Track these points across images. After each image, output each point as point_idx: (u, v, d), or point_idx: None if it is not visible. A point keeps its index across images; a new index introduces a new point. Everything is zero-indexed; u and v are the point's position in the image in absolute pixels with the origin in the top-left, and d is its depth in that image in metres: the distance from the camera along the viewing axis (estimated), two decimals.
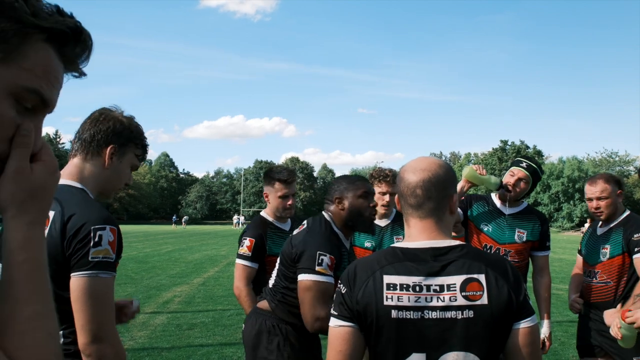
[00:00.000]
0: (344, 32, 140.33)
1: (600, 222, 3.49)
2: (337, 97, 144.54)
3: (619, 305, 3.00)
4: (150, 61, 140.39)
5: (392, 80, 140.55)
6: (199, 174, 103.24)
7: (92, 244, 1.62)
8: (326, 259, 2.31)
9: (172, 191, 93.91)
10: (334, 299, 1.54)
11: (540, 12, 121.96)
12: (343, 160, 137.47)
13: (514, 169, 3.40)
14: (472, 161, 77.29)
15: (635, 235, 3.18)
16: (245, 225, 3.63)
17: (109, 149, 1.81)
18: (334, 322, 1.49)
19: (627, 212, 3.40)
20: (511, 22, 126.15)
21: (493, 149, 73.84)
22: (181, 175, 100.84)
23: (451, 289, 1.42)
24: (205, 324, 7.37)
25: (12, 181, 0.71)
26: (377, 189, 3.72)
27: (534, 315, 1.46)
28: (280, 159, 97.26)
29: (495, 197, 3.47)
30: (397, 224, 3.72)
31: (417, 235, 1.52)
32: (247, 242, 3.27)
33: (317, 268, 2.30)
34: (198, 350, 5.99)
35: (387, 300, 1.42)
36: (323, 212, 2.60)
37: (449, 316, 1.40)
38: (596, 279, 3.35)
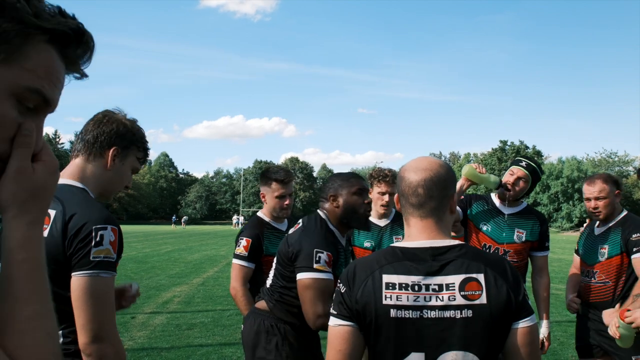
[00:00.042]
0: (344, 32, 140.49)
1: (598, 222, 3.49)
2: (337, 97, 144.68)
3: (617, 305, 3.01)
4: (150, 61, 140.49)
5: (392, 80, 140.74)
6: (198, 174, 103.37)
7: (93, 243, 1.62)
8: (323, 256, 2.32)
9: (172, 191, 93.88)
10: (333, 298, 1.55)
11: (540, 12, 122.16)
12: (343, 161, 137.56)
13: (514, 167, 3.40)
14: (472, 161, 77.34)
15: (633, 236, 3.19)
16: (243, 226, 3.66)
17: (111, 150, 1.83)
18: (333, 322, 1.50)
19: (625, 212, 3.41)
20: (511, 22, 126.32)
21: (492, 149, 73.82)
22: (181, 176, 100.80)
23: (450, 288, 1.42)
24: (204, 324, 7.36)
25: (14, 181, 0.72)
26: (377, 189, 3.72)
27: (533, 315, 1.46)
28: (280, 159, 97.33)
29: (494, 197, 3.47)
30: (397, 224, 3.72)
31: (417, 234, 1.52)
32: (243, 242, 3.27)
33: (315, 266, 2.30)
34: (197, 351, 5.99)
35: (386, 299, 1.42)
36: (318, 211, 2.61)
37: (448, 315, 1.40)
38: (594, 278, 3.35)
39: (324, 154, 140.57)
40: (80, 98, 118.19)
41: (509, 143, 72.89)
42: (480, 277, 1.43)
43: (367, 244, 3.70)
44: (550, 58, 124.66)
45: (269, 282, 2.63)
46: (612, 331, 2.81)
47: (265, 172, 3.45)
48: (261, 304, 2.60)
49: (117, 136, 1.85)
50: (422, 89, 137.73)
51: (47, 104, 0.74)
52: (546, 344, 3.34)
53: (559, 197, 61.01)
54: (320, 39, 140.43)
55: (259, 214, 3.50)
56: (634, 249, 3.15)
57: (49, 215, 1.67)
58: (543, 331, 3.32)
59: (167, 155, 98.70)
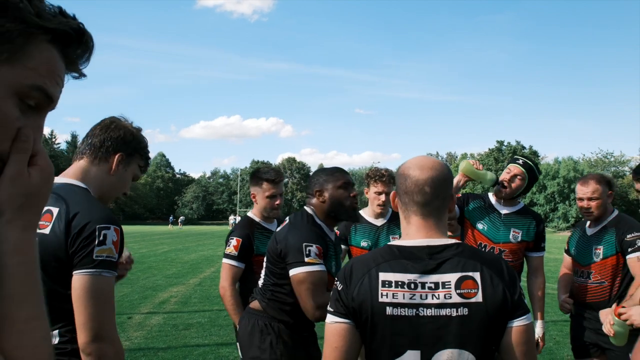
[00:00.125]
0: (342, 32, 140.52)
1: (589, 223, 3.50)
2: (335, 97, 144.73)
3: (614, 305, 3.02)
4: (147, 61, 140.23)
5: (390, 81, 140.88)
6: (195, 174, 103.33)
7: (96, 242, 1.64)
8: (313, 249, 2.33)
9: (169, 191, 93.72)
10: (330, 295, 1.55)
11: (539, 13, 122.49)
12: (340, 161, 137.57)
13: (510, 165, 3.42)
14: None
15: (628, 236, 3.20)
16: (233, 226, 3.67)
17: (117, 156, 1.88)
18: (330, 319, 1.50)
19: (616, 212, 3.42)
20: (510, 22, 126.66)
21: (489, 149, 73.93)
22: (177, 176, 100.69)
23: (446, 286, 1.42)
24: (201, 324, 7.36)
25: (10, 185, 0.72)
26: (373, 188, 3.73)
27: (529, 314, 1.47)
28: (277, 159, 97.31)
29: (492, 197, 3.48)
30: (393, 224, 3.73)
31: (415, 233, 1.53)
32: (234, 241, 3.28)
33: (306, 259, 2.31)
34: (194, 351, 5.99)
35: (382, 297, 1.43)
36: (305, 207, 2.63)
37: (444, 314, 1.41)
38: (590, 279, 3.36)
39: (321, 154, 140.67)
40: (77, 98, 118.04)
41: (505, 143, 73.04)
42: (477, 276, 1.44)
43: (363, 244, 3.71)
44: (547, 58, 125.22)
45: (261, 281, 2.63)
46: (607, 329, 2.83)
47: (256, 173, 3.47)
48: (255, 304, 2.61)
49: (123, 143, 1.90)
50: (420, 89, 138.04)
51: (49, 101, 0.75)
52: (541, 343, 3.35)
53: (555, 197, 61.13)
54: (317, 39, 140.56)
55: (249, 214, 3.52)
56: (629, 249, 3.17)
57: (51, 213, 1.69)
58: (538, 331, 3.33)
59: (164, 156, 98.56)
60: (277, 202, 3.38)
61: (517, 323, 1.44)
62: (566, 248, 3.75)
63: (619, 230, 3.27)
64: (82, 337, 1.59)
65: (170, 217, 64.98)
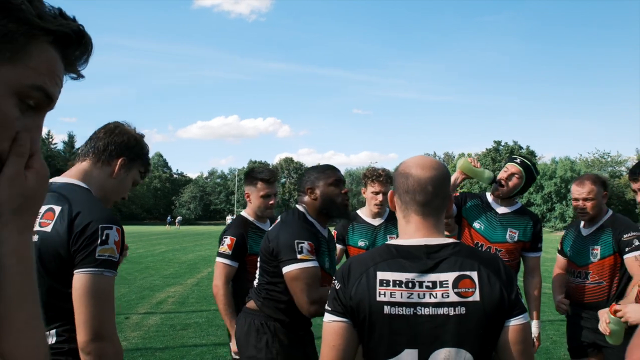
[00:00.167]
0: (340, 32, 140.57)
1: (583, 223, 3.51)
2: (332, 97, 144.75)
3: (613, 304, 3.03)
4: (144, 61, 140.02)
5: (387, 81, 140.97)
6: (192, 175, 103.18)
7: (99, 241, 1.65)
8: (305, 246, 2.35)
9: (166, 192, 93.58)
10: (328, 294, 1.55)
11: (537, 13, 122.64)
12: (337, 161, 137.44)
13: (508, 164, 3.43)
14: None
15: (625, 236, 3.22)
16: (227, 225, 3.69)
17: (119, 160, 1.92)
18: (327, 318, 1.50)
19: (611, 213, 3.44)
20: (509, 22, 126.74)
21: (486, 149, 73.98)
22: (175, 176, 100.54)
23: (444, 285, 1.43)
24: (199, 324, 7.36)
25: (9, 188, 0.73)
26: (370, 188, 3.74)
27: (526, 313, 1.47)
28: (274, 160, 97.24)
29: (489, 196, 3.49)
30: (391, 223, 3.74)
31: (413, 232, 1.53)
32: (227, 240, 3.29)
33: (299, 256, 2.33)
34: (192, 351, 5.99)
35: (380, 296, 1.43)
36: (297, 205, 2.65)
37: (442, 313, 1.41)
38: (588, 279, 3.36)
39: (319, 154, 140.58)
40: (73, 98, 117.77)
41: (502, 143, 73.13)
42: (474, 275, 1.44)
43: (361, 243, 3.72)
44: (545, 59, 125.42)
45: (256, 281, 2.64)
46: (603, 327, 2.83)
47: (251, 172, 3.49)
48: (251, 304, 2.62)
49: (126, 147, 1.94)
50: (417, 89, 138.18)
51: (49, 101, 0.76)
52: (536, 343, 3.36)
53: (553, 197, 61.27)
54: (315, 39, 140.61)
55: (243, 213, 3.53)
56: (627, 249, 3.18)
57: (53, 211, 1.71)
58: (533, 331, 3.33)
59: (161, 156, 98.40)
60: (271, 201, 3.40)
61: (514, 322, 1.44)
62: (559, 248, 3.75)
63: (615, 230, 3.29)
64: (82, 336, 1.59)
65: (168, 217, 64.96)
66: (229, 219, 62.59)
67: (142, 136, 2.02)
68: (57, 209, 1.71)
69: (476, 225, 3.39)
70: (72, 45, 0.76)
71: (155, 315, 8.00)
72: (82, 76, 0.82)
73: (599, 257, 3.33)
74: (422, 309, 1.42)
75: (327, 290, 2.32)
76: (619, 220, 3.36)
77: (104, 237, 1.66)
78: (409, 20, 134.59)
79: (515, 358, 1.43)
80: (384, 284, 1.44)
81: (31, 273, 0.75)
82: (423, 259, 1.46)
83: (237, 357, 3.23)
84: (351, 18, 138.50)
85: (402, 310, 1.42)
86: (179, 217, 66.99)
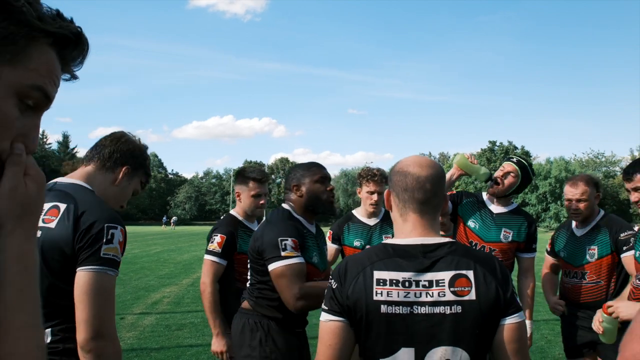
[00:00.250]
0: (335, 32, 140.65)
1: (576, 223, 3.52)
2: (328, 97, 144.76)
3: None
4: (138, 61, 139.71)
5: (383, 81, 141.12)
6: (188, 175, 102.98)
7: (104, 240, 1.67)
8: (289, 243, 2.38)
9: (161, 192, 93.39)
10: (325, 294, 1.56)
11: (532, 13, 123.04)
12: (333, 161, 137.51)
13: (504, 163, 3.44)
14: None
15: (622, 235, 3.24)
16: (216, 223, 3.69)
17: (123, 168, 1.97)
18: (324, 317, 1.51)
19: (603, 213, 3.47)
20: (505, 22, 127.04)
21: (481, 149, 74.23)
22: (170, 176, 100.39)
23: (440, 284, 1.43)
24: (194, 325, 7.35)
25: (10, 197, 0.75)
26: (366, 188, 3.75)
27: (521, 312, 1.48)
28: (270, 160, 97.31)
29: (485, 196, 3.50)
30: (386, 223, 3.75)
31: (410, 232, 1.54)
32: (217, 238, 3.29)
33: (282, 254, 2.36)
34: (187, 351, 5.98)
35: (376, 295, 1.43)
36: (283, 204, 2.67)
37: (438, 311, 1.42)
38: (585, 279, 3.38)
39: (314, 154, 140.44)
40: (68, 99, 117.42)
41: (497, 143, 73.44)
42: (470, 274, 1.45)
43: (356, 243, 3.72)
44: (540, 58, 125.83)
45: (248, 282, 2.66)
46: (596, 326, 2.85)
47: (242, 172, 3.50)
48: (245, 304, 2.64)
49: (131, 157, 2.00)
50: (413, 89, 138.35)
51: (48, 101, 0.77)
52: (529, 343, 3.37)
53: (547, 197, 61.55)
54: (311, 39, 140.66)
55: (232, 212, 3.53)
56: (624, 248, 3.20)
57: (57, 208, 1.73)
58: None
59: (156, 156, 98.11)
60: (262, 201, 3.43)
61: (510, 321, 1.45)
62: (549, 249, 3.76)
63: (612, 230, 3.31)
64: (82, 334, 1.60)
65: (164, 218, 64.92)
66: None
67: (146, 147, 2.09)
68: (62, 206, 1.73)
69: (471, 224, 3.39)
70: (70, 47, 0.78)
71: (151, 315, 7.99)
72: (77, 77, 0.83)
73: (596, 256, 3.34)
74: (419, 307, 1.42)
75: (313, 285, 2.36)
76: (614, 220, 3.39)
77: (109, 237, 1.68)
78: (404, 20, 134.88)
79: (510, 356, 1.44)
80: (381, 283, 1.44)
81: (34, 279, 0.77)
82: (419, 258, 1.47)
83: (219, 357, 3.25)
84: (346, 18, 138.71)
85: (399, 309, 1.42)
86: (174, 218, 66.90)
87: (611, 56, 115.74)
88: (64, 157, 76.81)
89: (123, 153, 1.98)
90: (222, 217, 3.59)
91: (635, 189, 2.76)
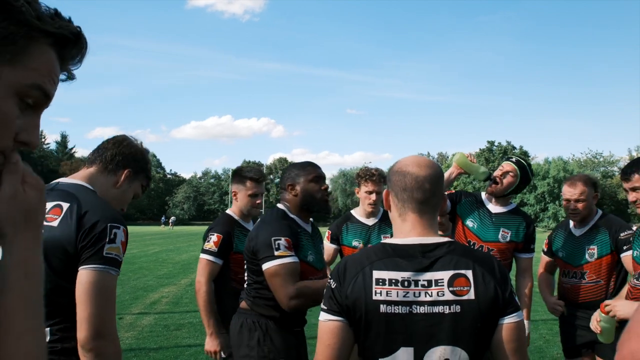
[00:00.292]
0: (334, 32, 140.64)
1: (573, 223, 3.53)
2: (326, 97, 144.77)
3: None
4: (137, 61, 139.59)
5: (382, 81, 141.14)
6: (186, 175, 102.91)
7: (107, 240, 1.68)
8: (282, 242, 2.39)
9: (159, 192, 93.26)
10: (324, 293, 1.56)
11: (532, 13, 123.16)
12: (331, 161, 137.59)
13: (504, 163, 3.45)
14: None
15: (622, 234, 3.25)
16: (212, 222, 3.70)
17: (125, 171, 2.00)
18: (323, 317, 1.51)
19: (600, 212, 3.48)
20: (504, 22, 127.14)
21: (480, 149, 74.32)
22: (168, 176, 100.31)
23: (439, 284, 1.44)
24: (193, 325, 7.35)
25: (9, 205, 0.76)
26: (364, 187, 3.75)
27: (520, 311, 1.49)
28: (268, 160, 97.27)
29: (484, 195, 3.50)
30: (384, 223, 3.75)
31: (409, 231, 1.54)
32: (214, 237, 3.29)
33: (276, 253, 2.37)
34: (186, 351, 5.98)
35: (376, 295, 1.44)
36: (278, 204, 2.69)
37: (437, 311, 1.42)
38: (585, 279, 3.38)
39: (313, 154, 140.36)
40: (66, 98, 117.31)
41: (496, 144, 73.54)
42: (469, 274, 1.45)
43: (355, 243, 3.73)
44: (539, 58, 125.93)
45: (245, 282, 2.67)
46: (593, 326, 2.85)
47: (239, 171, 3.51)
48: (242, 304, 2.65)
49: (133, 160, 2.03)
50: (411, 89, 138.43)
51: (47, 100, 0.78)
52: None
53: (546, 197, 61.66)
54: (309, 39, 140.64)
55: (228, 211, 3.53)
56: (624, 247, 3.21)
57: (60, 207, 1.74)
58: None
59: (154, 156, 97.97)
60: (258, 201, 3.44)
61: (508, 320, 1.45)
62: (545, 249, 3.76)
63: (611, 229, 3.32)
64: (83, 333, 1.61)
65: (163, 218, 64.94)
66: None
67: (147, 151, 2.11)
68: (65, 205, 1.74)
69: (469, 223, 3.40)
70: (69, 46, 0.78)
71: (149, 315, 7.99)
72: (74, 77, 0.84)
73: (596, 256, 3.35)
74: (418, 307, 1.43)
75: (308, 284, 2.37)
76: (613, 220, 3.41)
77: (112, 236, 1.69)
78: (404, 20, 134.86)
79: (509, 356, 1.44)
80: (380, 283, 1.45)
81: (35, 285, 0.77)
82: (418, 258, 1.47)
83: (212, 356, 3.25)
84: (345, 18, 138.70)
85: (398, 308, 1.43)
86: (172, 218, 66.89)
87: (609, 56, 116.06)
88: (62, 157, 76.71)
89: (125, 156, 2.00)
90: (218, 217, 3.59)
91: (633, 189, 2.77)
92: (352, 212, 3.95)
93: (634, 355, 0.76)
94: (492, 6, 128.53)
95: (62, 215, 1.72)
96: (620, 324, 2.70)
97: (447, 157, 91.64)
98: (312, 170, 2.63)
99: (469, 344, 1.43)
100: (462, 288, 1.44)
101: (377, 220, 3.79)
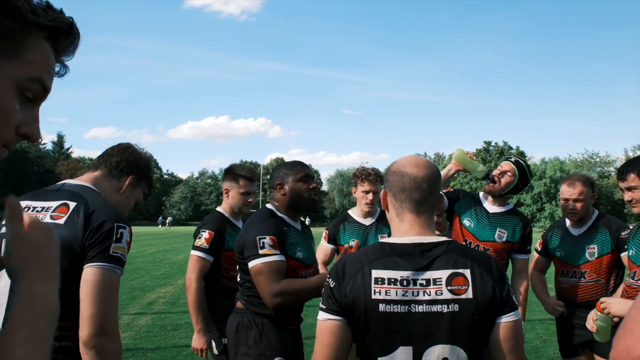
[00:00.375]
0: (331, 33, 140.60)
1: (571, 223, 3.54)
2: (323, 97, 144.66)
3: None
4: (133, 61, 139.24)
5: (378, 81, 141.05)
6: (183, 175, 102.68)
7: (114, 239, 1.72)
8: (267, 241, 2.42)
9: (156, 192, 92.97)
10: (322, 292, 1.56)
11: (532, 13, 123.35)
12: (328, 161, 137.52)
13: (502, 163, 3.47)
14: None
15: (623, 233, 3.27)
16: (203, 219, 3.71)
17: (129, 178, 2.05)
18: (322, 316, 1.51)
19: (597, 212, 3.50)
20: (503, 22, 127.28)
21: (477, 149, 74.40)
22: (165, 176, 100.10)
23: (437, 283, 1.45)
24: (190, 325, 7.25)
25: (15, 248, 0.79)
26: (361, 187, 3.76)
27: (517, 311, 1.50)
28: (265, 160, 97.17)
29: (482, 195, 3.51)
30: (382, 223, 3.76)
31: (407, 231, 1.55)
32: (205, 234, 3.30)
33: (260, 252, 2.40)
34: (183, 351, 5.97)
35: (375, 294, 1.44)
36: (267, 203, 2.72)
37: (435, 310, 1.43)
38: (584, 278, 3.39)
39: (310, 154, 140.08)
40: (62, 99, 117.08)
41: (493, 144, 73.63)
42: (467, 273, 1.46)
43: (352, 243, 3.72)
44: (535, 58, 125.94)
45: (239, 282, 2.69)
46: (590, 325, 2.86)
47: (232, 169, 3.53)
48: (238, 304, 2.67)
49: (137, 167, 2.08)
50: (408, 89, 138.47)
51: (45, 92, 0.79)
52: None
53: (542, 198, 61.79)
54: (306, 39, 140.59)
55: (219, 209, 3.54)
56: (625, 246, 3.22)
57: (67, 206, 1.77)
58: None
59: (151, 156, 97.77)
60: (250, 199, 3.48)
61: (506, 319, 1.47)
62: (539, 248, 3.76)
63: (611, 229, 3.35)
64: (86, 330, 1.62)
65: (160, 218, 64.86)
66: None
67: (151, 159, 2.16)
68: (72, 204, 1.76)
69: (466, 222, 3.41)
70: (62, 38, 0.80)
71: (146, 315, 7.98)
72: (67, 67, 0.84)
73: (596, 255, 3.36)
74: (417, 306, 1.43)
75: (293, 282, 2.40)
76: (612, 219, 3.44)
77: (118, 235, 1.73)
78: (402, 20, 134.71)
79: (506, 355, 1.45)
80: (379, 282, 1.45)
81: (46, 323, 0.79)
82: (417, 257, 1.48)
83: (198, 354, 3.27)
84: (343, 18, 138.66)
85: (397, 308, 1.43)
86: (169, 218, 66.80)
87: (607, 56, 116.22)
88: (59, 158, 76.47)
89: (129, 163, 2.06)
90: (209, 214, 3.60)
91: (629, 188, 2.78)
92: (349, 212, 3.96)
93: (629, 351, 0.77)
94: (491, 6, 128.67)
95: (68, 214, 1.74)
96: (617, 323, 2.72)
97: (444, 158, 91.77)
98: (300, 170, 2.66)
99: (467, 342, 1.44)
100: (460, 287, 1.45)
101: (374, 220, 3.80)
